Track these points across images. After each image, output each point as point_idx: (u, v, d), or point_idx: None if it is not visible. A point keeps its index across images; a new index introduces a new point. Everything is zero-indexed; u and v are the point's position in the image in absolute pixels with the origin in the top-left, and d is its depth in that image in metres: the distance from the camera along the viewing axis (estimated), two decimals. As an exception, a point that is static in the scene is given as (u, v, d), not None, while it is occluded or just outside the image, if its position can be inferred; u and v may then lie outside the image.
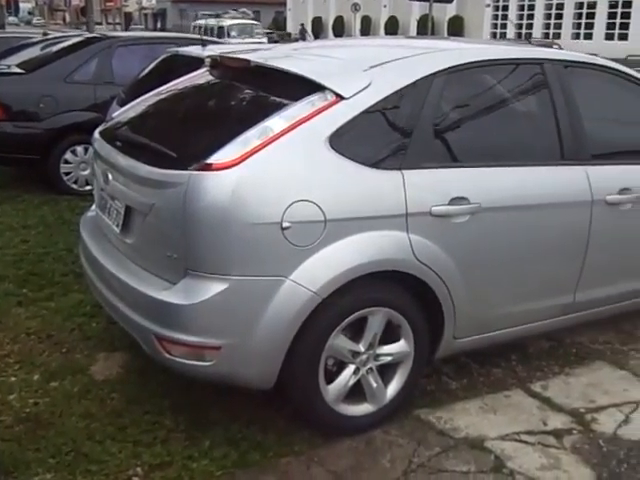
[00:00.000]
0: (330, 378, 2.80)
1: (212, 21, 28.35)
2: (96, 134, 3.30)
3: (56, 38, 8.92)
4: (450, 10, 37.00)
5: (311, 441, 2.86)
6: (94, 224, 3.29)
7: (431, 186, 2.81)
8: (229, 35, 25.48)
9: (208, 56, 3.56)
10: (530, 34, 34.49)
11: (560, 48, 4.01)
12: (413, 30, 39.81)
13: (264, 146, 2.54)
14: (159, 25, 62.67)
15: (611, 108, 3.55)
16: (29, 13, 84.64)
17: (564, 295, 3.33)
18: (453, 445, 2.87)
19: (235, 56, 3.21)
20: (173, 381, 3.10)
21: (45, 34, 10.18)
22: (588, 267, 3.29)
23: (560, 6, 35.34)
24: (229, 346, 2.58)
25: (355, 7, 35.61)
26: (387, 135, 2.80)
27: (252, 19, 30.50)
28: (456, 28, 38.39)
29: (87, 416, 2.98)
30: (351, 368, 2.83)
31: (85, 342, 3.65)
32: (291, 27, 53.23)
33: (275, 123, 2.62)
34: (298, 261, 2.56)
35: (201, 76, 3.50)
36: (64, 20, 71.84)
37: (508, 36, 37.22)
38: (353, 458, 2.78)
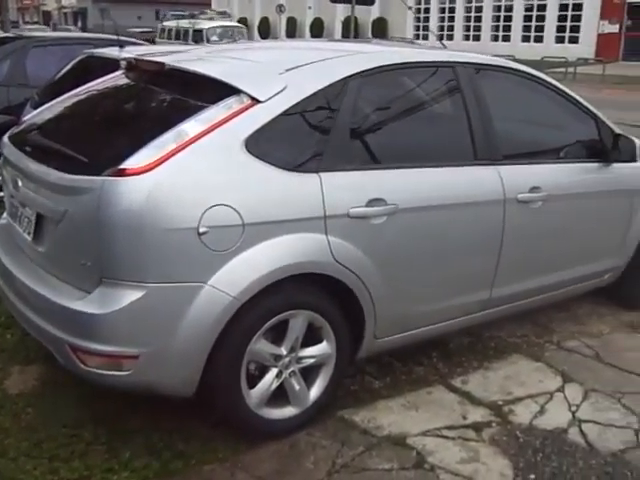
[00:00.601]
0: (253, 382, 2.79)
1: (185, 23, 23.58)
2: (5, 139, 3.18)
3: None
4: (374, 12, 37.48)
5: (235, 447, 2.84)
6: (5, 232, 3.17)
7: (348, 188, 2.84)
8: (208, 40, 20.93)
9: (123, 58, 3.48)
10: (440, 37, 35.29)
11: (444, 47, 4.09)
12: (338, 32, 40.11)
13: (179, 150, 2.51)
14: (79, 25, 60.99)
15: (521, 110, 3.68)
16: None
17: (481, 291, 3.42)
18: (376, 443, 2.90)
19: (150, 59, 3.16)
20: (92, 392, 3.02)
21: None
22: (503, 264, 3.40)
23: (479, 9, 36.30)
24: (147, 355, 2.54)
25: (280, 8, 35.60)
26: (304, 138, 2.81)
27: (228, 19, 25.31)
28: (380, 30, 38.90)
29: (0, 432, 2.87)
30: (273, 372, 2.82)
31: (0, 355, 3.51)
32: (216, 28, 52.71)
33: (190, 127, 2.59)
34: (217, 266, 2.54)
35: (116, 79, 3.42)
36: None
37: (430, 38, 37.99)
38: (277, 462, 2.77)
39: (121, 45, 5.38)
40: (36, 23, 60.45)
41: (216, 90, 2.74)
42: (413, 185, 3.02)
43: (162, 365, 2.57)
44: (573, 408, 3.20)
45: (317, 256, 2.76)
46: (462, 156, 3.27)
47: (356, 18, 36.35)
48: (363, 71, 2.96)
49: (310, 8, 44.10)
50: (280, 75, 2.83)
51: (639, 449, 2.91)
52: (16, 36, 7.20)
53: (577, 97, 3.81)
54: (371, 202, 2.85)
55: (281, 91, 2.75)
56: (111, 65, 3.98)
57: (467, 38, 36.83)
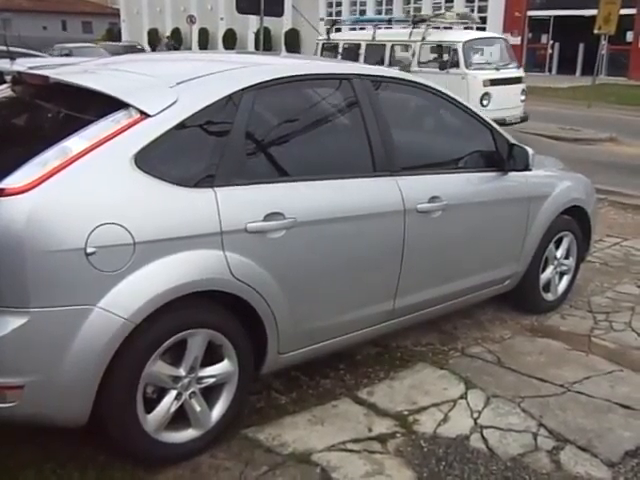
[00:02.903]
0: (150, 406, 2.69)
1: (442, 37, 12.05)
2: None
3: None
4: (286, 23, 37.65)
5: (133, 474, 2.73)
6: None
7: (245, 203, 2.79)
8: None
9: (9, 72, 3.32)
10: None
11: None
12: (251, 43, 40.07)
13: (63, 167, 2.40)
14: (-20, 35, 58.49)
15: (419, 121, 3.74)
16: None
17: (384, 302, 3.43)
18: (281, 462, 2.85)
19: (34, 72, 3.02)
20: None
21: None
22: (405, 274, 3.42)
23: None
24: (33, 384, 2.40)
25: (191, 19, 35.26)
26: (197, 153, 2.75)
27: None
28: (292, 41, 39.12)
29: None
30: (172, 394, 2.73)
31: None
32: (127, 38, 51.71)
33: (75, 143, 2.48)
34: (107, 287, 2.44)
35: (1, 93, 3.25)
36: None
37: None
38: (178, 488, 2.69)
39: (12, 57, 5.17)
40: None
41: (103, 104, 2.64)
42: (311, 198, 3.00)
43: (50, 395, 2.44)
44: (475, 415, 3.25)
45: (214, 273, 2.69)
46: (361, 168, 3.28)
47: (269, 29, 36.42)
48: (257, 84, 2.93)
49: (222, 19, 43.88)
50: (171, 88, 2.76)
51: (537, 452, 2.98)
52: None
53: (473, 108, 3.90)
54: (268, 216, 2.81)
55: (171, 105, 2.68)
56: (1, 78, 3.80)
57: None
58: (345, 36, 14.42)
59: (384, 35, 12.82)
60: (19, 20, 55.63)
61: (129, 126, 2.57)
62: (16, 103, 3.16)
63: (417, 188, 3.43)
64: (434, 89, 3.71)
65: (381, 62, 11.82)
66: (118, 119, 2.59)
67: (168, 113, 2.66)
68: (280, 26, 37.56)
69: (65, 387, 2.44)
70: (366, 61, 11.93)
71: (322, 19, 38.11)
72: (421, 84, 3.66)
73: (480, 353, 3.90)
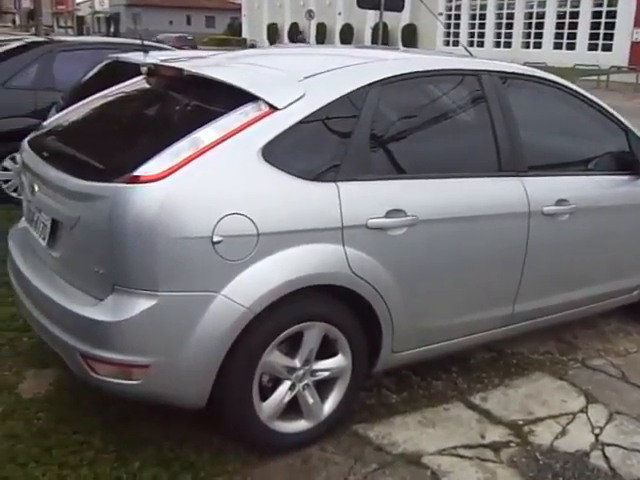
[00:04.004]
0: (265, 395, 2.74)
1: None
2: (24, 143, 3.18)
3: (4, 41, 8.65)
4: (404, 18, 37.40)
5: (246, 460, 2.79)
6: (22, 237, 3.16)
7: (367, 198, 2.77)
8: None
9: (144, 64, 3.46)
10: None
11: (471, 55, 3.95)
12: (368, 38, 40.09)
13: (194, 158, 2.47)
14: (112, 29, 61.80)
15: (549, 120, 3.58)
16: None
17: (503, 306, 3.33)
18: (390, 461, 2.83)
19: (169, 64, 3.13)
20: (105, 398, 2.98)
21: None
22: (527, 278, 3.30)
23: (510, 16, 36.02)
24: (158, 364, 2.49)
25: (310, 14, 35.70)
26: (322, 147, 2.76)
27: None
28: (409, 36, 38.84)
29: (11, 437, 2.85)
30: (287, 384, 2.76)
31: (15, 358, 3.50)
32: (247, 33, 53.07)
33: (206, 134, 2.55)
34: (230, 276, 2.50)
35: (137, 84, 3.40)
36: (14, 23, 70.27)
37: (462, 43, 37.78)
38: (288, 477, 2.72)
39: (145, 50, 5.40)
40: (70, 28, 61.37)
41: (234, 97, 2.69)
42: (434, 196, 2.95)
43: (172, 376, 2.53)
44: (596, 430, 3.09)
45: (334, 267, 2.70)
46: (486, 167, 3.19)
47: (386, 24, 36.35)
48: (383, 79, 2.90)
49: (340, 14, 44.19)
50: (299, 82, 2.78)
51: (665, 476, 2.80)
52: (43, 41, 7.25)
53: (607, 108, 3.70)
54: (390, 213, 2.79)
55: (299, 98, 2.70)
56: (135, 70, 3.98)
57: (498, 45, 36.56)
58: None
59: None
60: (147, 15, 58.35)
61: (258, 119, 2.61)
62: (150, 94, 3.28)
63: (544, 190, 3.30)
64: (565, 86, 3.56)
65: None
66: (247, 112, 2.64)
67: (295, 107, 2.68)
68: (397, 21, 37.37)
69: (186, 369, 2.52)
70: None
71: (441, 14, 37.57)
72: (552, 81, 3.52)
73: (602, 366, 3.71)
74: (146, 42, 6.01)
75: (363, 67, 3.03)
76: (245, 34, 53.57)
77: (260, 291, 2.53)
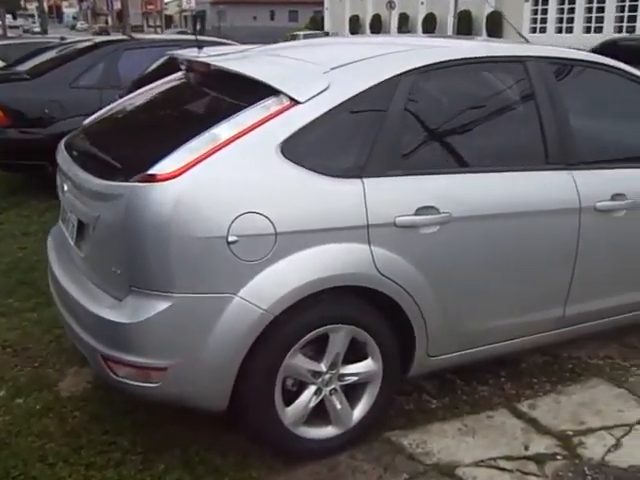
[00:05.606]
0: (290, 399, 2.64)
1: None
2: (61, 143, 3.20)
3: (72, 43, 8.94)
4: (488, 7, 36.30)
5: (271, 466, 2.71)
6: (58, 237, 3.19)
7: (395, 195, 2.63)
8: None
9: (182, 60, 3.43)
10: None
11: (526, 41, 3.69)
12: (450, 27, 39.22)
13: (210, 155, 2.40)
14: (198, 27, 63.17)
15: (604, 108, 3.31)
16: (73, 18, 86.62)
17: (553, 308, 3.10)
18: (422, 472, 2.68)
19: (198, 59, 3.07)
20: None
21: (62, 39, 10.23)
22: (578, 279, 3.06)
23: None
24: (176, 367, 2.44)
25: (390, 5, 35.32)
26: (346, 141, 2.62)
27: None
28: (494, 24, 37.67)
29: (44, 436, 2.88)
30: (312, 389, 2.66)
31: (59, 355, 3.56)
32: (329, 26, 53.09)
33: (223, 130, 2.47)
34: (247, 277, 2.41)
35: (172, 81, 3.38)
36: (107, 23, 73.14)
37: (548, 31, 36.46)
38: (312, 485, 2.62)
39: (199, 46, 5.38)
40: (159, 27, 63.17)
41: (256, 91, 2.61)
42: (470, 192, 2.77)
43: (191, 378, 2.47)
44: (654, 445, 2.84)
45: (358, 268, 2.57)
46: (531, 160, 2.97)
47: (469, 12, 35.44)
48: (416, 68, 2.74)
49: (422, 3, 43.43)
50: (324, 74, 2.66)
51: None
52: (109, 40, 7.42)
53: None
54: (420, 210, 2.63)
55: (323, 91, 2.58)
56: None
57: (588, 30, 34.97)
58: None
59: None
60: (232, 11, 59.36)
61: (278, 113, 2.51)
62: (181, 90, 3.25)
63: (597, 184, 3.05)
64: (623, 71, 3.27)
65: None
66: (268, 106, 2.54)
67: (319, 100, 2.56)
68: (482, 9, 36.36)
69: (204, 372, 2.46)
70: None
71: (527, 0, 36.36)
72: (610, 66, 3.24)
73: (668, 373, 3.41)
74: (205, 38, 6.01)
75: (396, 56, 2.87)
76: (327, 27, 53.58)
77: (279, 293, 2.44)
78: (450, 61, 2.85)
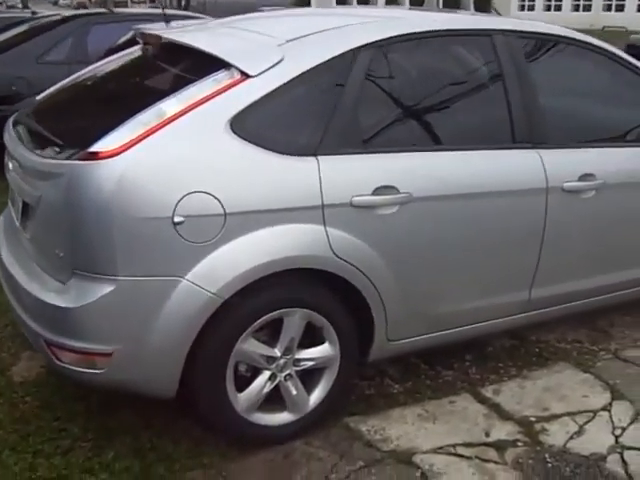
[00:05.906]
0: (243, 385, 2.56)
1: None
2: (9, 121, 3.06)
3: (42, 17, 8.69)
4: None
5: (225, 453, 2.62)
6: (9, 218, 3.06)
7: (351, 174, 2.52)
8: None
9: (137, 33, 3.30)
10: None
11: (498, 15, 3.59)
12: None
13: (154, 131, 2.28)
14: (183, 3, 62.28)
15: (574, 85, 3.20)
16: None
17: (518, 292, 3.03)
18: (379, 459, 2.61)
19: (151, 32, 2.94)
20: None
21: (34, 13, 9.97)
22: (545, 262, 2.98)
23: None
24: (121, 352, 2.34)
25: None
26: (300, 118, 2.52)
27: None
28: (482, 0, 37.35)
29: (-7, 423, 2.79)
30: (266, 374, 2.58)
31: (15, 339, 3.44)
32: (315, 2, 52.46)
33: (170, 104, 2.35)
34: (194, 259, 2.31)
35: (127, 55, 3.24)
36: (90, 0, 71.83)
37: (537, 9, 36.21)
38: (265, 473, 2.54)
39: (167, 20, 5.22)
40: (142, 2, 62.15)
41: (207, 65, 2.49)
42: (431, 171, 2.67)
43: (137, 364, 2.38)
44: (617, 431, 2.78)
45: (313, 250, 2.47)
46: (496, 139, 2.87)
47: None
48: (376, 41, 2.62)
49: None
50: (278, 46, 2.54)
51: (689, 487, 2.48)
52: (78, 15, 7.21)
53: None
54: (379, 190, 2.53)
55: (276, 64, 2.46)
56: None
57: (576, 8, 34.82)
58: None
59: None
60: (218, -12, 58.33)
61: (227, 87, 2.39)
62: (135, 64, 3.11)
63: (565, 163, 2.96)
64: (600, 47, 3.17)
65: None
66: (218, 80, 2.42)
67: (271, 73, 2.45)
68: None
69: (151, 357, 2.36)
70: None
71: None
72: (583, 41, 3.14)
73: (637, 358, 3.35)
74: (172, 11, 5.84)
75: (354, 28, 2.75)
76: (314, 4, 52.95)
77: (228, 276, 2.34)
78: (412, 34, 2.73)
